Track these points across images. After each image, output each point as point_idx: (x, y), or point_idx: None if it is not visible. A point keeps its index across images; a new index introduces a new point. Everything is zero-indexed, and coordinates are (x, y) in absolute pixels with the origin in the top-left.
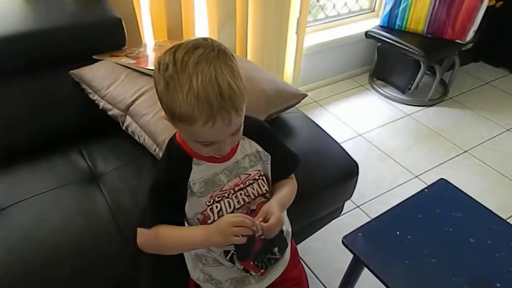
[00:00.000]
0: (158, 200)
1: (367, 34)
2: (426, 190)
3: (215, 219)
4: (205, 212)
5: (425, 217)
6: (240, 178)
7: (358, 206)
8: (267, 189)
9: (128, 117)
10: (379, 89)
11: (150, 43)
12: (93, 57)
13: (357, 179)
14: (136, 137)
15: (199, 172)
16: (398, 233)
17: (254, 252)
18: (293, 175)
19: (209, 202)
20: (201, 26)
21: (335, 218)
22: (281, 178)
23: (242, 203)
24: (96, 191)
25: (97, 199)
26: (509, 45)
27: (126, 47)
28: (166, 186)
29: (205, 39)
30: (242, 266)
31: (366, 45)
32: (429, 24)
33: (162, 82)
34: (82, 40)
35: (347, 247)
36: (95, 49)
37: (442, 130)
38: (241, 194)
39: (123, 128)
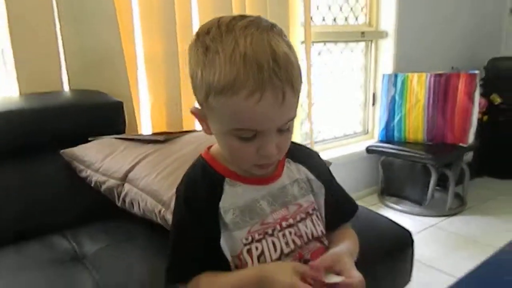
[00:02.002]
0: (187, 240)
1: (368, 149)
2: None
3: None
4: (240, 256)
5: None
6: (289, 210)
7: None
8: (324, 231)
9: (126, 185)
10: (393, 206)
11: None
12: (89, 139)
13: (413, 253)
14: (136, 207)
15: (233, 196)
16: None
17: None
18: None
19: (247, 239)
20: None
21: None
22: (339, 222)
23: (292, 246)
24: (80, 271)
25: (81, 279)
26: (506, 158)
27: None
28: (193, 219)
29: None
30: None
31: (368, 165)
32: (428, 131)
33: (200, 49)
34: (79, 123)
35: None
36: (93, 134)
37: (477, 236)
38: (290, 233)
39: (119, 203)
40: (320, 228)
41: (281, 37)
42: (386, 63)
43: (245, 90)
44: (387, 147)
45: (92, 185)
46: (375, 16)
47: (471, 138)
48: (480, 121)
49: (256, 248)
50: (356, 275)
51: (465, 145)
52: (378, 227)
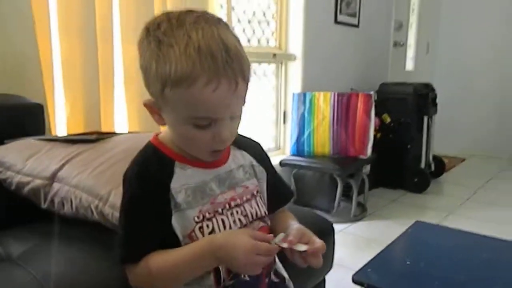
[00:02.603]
0: (138, 218)
1: (281, 163)
2: (409, 230)
3: None
4: (192, 234)
5: (425, 248)
6: (236, 191)
7: None
8: (266, 212)
9: (55, 184)
10: None
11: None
12: (5, 141)
13: (334, 242)
14: (67, 206)
15: (184, 178)
16: (408, 262)
17: None
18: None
19: (198, 218)
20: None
21: None
22: (278, 205)
23: (238, 224)
24: (14, 269)
25: (17, 276)
26: (396, 170)
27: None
28: (145, 195)
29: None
30: None
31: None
32: (333, 145)
33: (152, 43)
34: None
35: (362, 284)
36: (11, 137)
37: (377, 237)
38: (237, 212)
39: (45, 204)
40: (263, 209)
41: (228, 31)
42: (295, 83)
43: (202, 80)
44: (299, 160)
45: (13, 187)
46: (284, 40)
47: (369, 151)
48: (374, 138)
49: (207, 226)
50: (319, 241)
51: (364, 157)
52: (306, 217)
